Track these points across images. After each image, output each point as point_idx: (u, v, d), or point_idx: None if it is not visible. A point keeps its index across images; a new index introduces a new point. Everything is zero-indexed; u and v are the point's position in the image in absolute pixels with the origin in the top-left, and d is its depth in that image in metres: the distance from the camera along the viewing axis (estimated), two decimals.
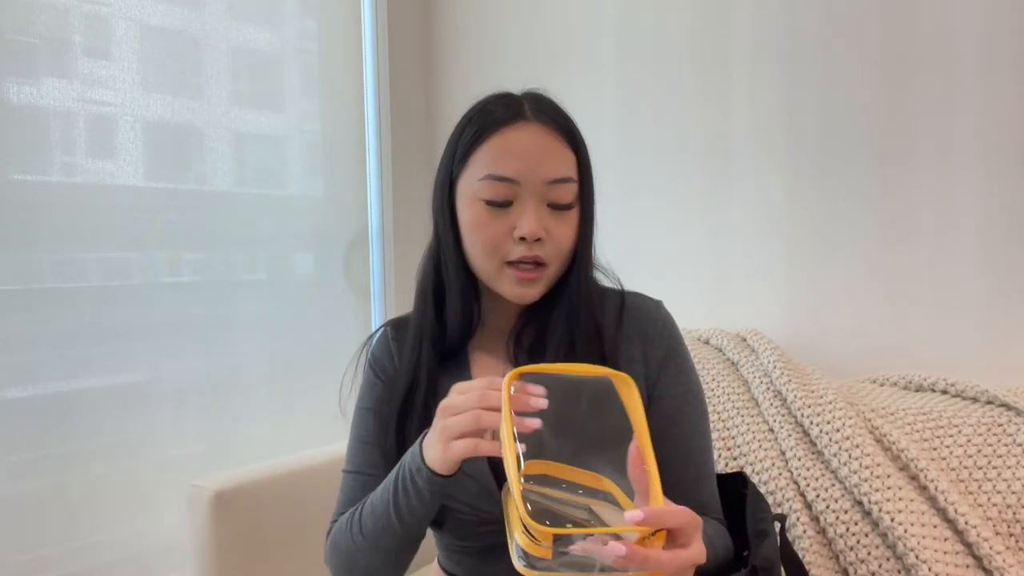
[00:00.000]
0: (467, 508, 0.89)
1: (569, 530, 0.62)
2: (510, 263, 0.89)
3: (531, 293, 0.90)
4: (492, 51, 1.95)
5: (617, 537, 0.61)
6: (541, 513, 0.65)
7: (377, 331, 1.03)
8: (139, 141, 1.54)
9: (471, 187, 0.89)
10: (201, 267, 1.65)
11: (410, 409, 0.94)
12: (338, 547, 0.90)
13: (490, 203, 0.88)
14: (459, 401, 0.75)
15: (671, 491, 0.70)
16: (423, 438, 0.81)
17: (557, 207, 0.89)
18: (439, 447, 0.76)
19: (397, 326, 1.02)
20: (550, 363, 0.74)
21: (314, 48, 1.90)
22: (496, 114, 0.90)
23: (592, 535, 0.62)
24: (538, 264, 0.89)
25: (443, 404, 0.77)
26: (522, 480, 0.66)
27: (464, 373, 0.96)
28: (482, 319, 0.97)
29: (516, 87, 0.95)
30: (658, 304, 0.98)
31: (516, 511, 0.64)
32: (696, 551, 0.65)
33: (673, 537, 0.64)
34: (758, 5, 1.55)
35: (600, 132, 1.73)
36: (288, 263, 1.85)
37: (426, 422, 0.92)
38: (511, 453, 0.67)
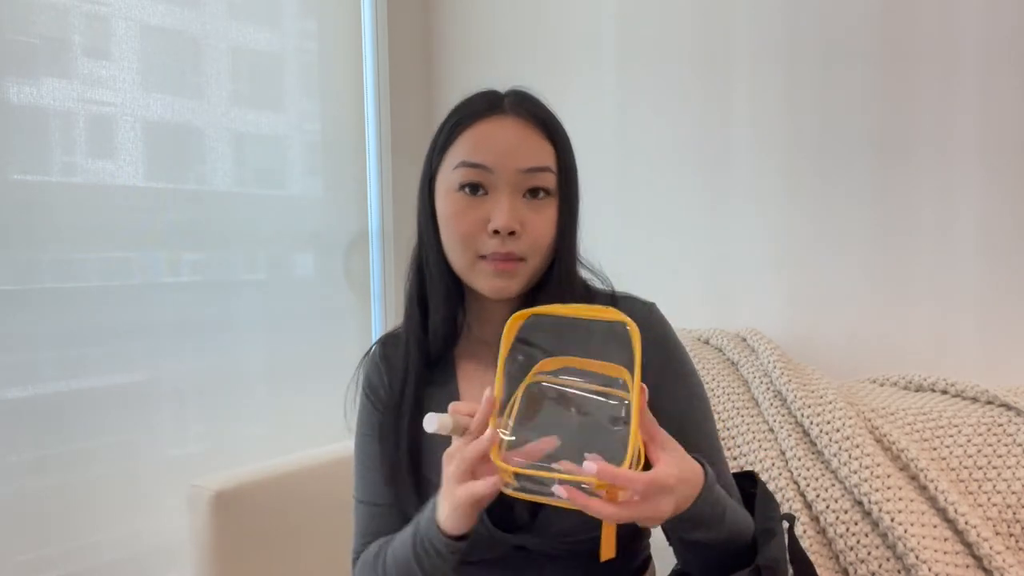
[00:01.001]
0: None
1: (528, 471, 0.67)
2: (483, 257, 0.86)
3: (508, 286, 0.87)
4: (492, 51, 1.95)
5: (580, 486, 0.66)
6: (558, 401, 0.72)
7: (372, 347, 1.02)
8: (139, 141, 1.54)
9: (447, 178, 0.89)
10: (201, 267, 1.65)
11: (403, 421, 0.92)
12: None
13: (463, 187, 0.87)
14: (456, 446, 0.74)
15: None
16: (435, 499, 0.79)
17: (533, 194, 0.87)
18: (446, 499, 0.75)
19: (386, 343, 1.00)
20: (559, 305, 0.75)
21: (314, 48, 1.90)
22: (475, 107, 0.90)
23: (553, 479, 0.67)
24: (515, 259, 0.86)
25: (447, 453, 0.76)
26: (502, 432, 0.71)
27: (450, 383, 0.95)
28: (467, 326, 0.95)
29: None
30: (650, 307, 0.95)
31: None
32: (637, 515, 0.68)
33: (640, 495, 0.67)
34: (758, 5, 1.55)
35: (600, 132, 1.73)
36: (288, 263, 1.85)
37: (416, 433, 0.91)
38: (495, 394, 0.72)
